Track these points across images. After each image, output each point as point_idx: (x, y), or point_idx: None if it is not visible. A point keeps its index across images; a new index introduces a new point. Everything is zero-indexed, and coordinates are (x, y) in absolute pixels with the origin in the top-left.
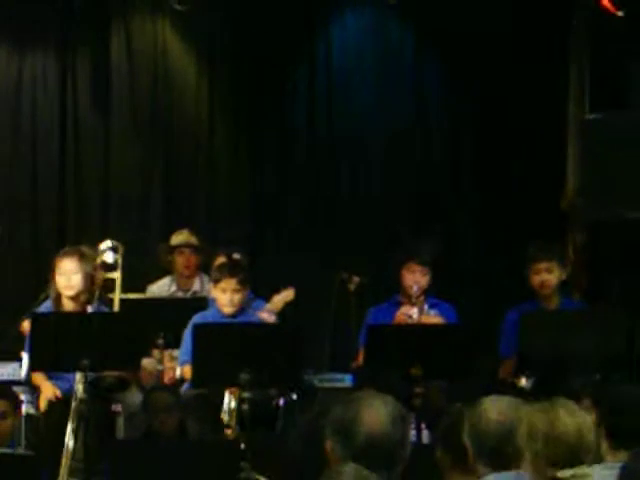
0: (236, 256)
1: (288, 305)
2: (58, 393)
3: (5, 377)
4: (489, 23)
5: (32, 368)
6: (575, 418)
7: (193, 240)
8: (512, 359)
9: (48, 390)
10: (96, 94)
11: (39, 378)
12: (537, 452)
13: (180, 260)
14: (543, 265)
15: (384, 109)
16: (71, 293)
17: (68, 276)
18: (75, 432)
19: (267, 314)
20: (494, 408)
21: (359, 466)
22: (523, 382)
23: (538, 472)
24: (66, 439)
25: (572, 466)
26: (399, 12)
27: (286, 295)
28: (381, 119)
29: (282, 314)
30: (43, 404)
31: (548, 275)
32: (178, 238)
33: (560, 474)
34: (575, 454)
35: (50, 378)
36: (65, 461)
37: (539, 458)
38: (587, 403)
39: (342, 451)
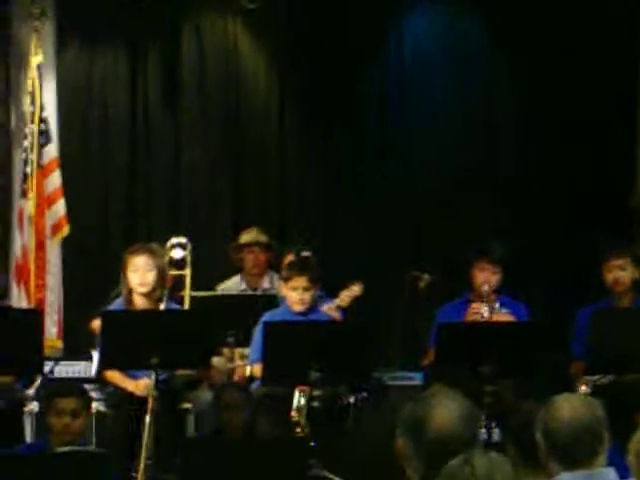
0: (306, 254)
1: (356, 300)
2: (146, 385)
3: (76, 375)
4: (562, 21)
5: (103, 366)
6: None
7: (262, 238)
8: (584, 359)
9: (138, 388)
10: (166, 93)
11: (118, 377)
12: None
13: (249, 258)
14: (617, 262)
15: (456, 106)
16: (145, 290)
17: (142, 273)
18: (149, 430)
19: (330, 307)
20: (567, 406)
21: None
22: (583, 389)
23: None
24: (143, 436)
25: None
26: (471, 8)
27: (354, 290)
28: (453, 116)
29: (350, 309)
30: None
31: (621, 272)
32: (247, 236)
33: None
34: None
35: None
36: (142, 459)
37: None
38: None
39: (413, 449)
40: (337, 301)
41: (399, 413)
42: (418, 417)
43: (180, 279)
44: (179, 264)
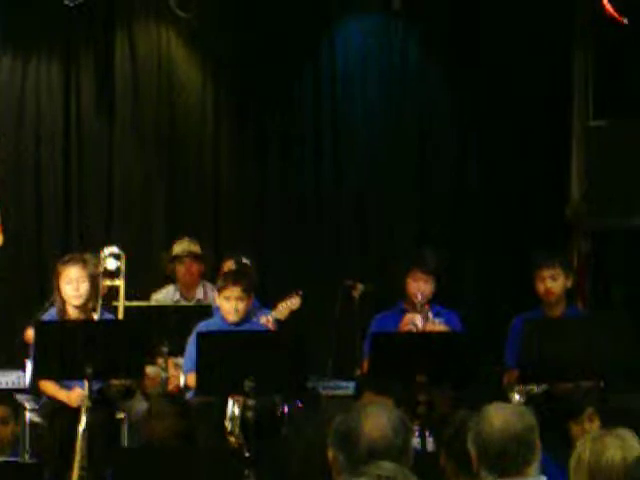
0: (245, 261)
1: (293, 313)
2: (79, 395)
3: (9, 385)
4: (493, 29)
5: (36, 376)
6: (623, 450)
7: (194, 248)
8: (516, 368)
9: (71, 399)
10: (100, 100)
11: (51, 387)
12: None
13: (181, 269)
14: (548, 272)
15: (388, 114)
16: (79, 302)
17: (75, 284)
18: (82, 440)
19: (267, 319)
20: (498, 415)
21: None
22: (517, 398)
23: None
24: (76, 447)
25: None
26: (404, 18)
27: (292, 303)
28: (385, 124)
29: (286, 322)
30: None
31: (553, 282)
32: (179, 247)
33: None
34: None
35: None
36: (75, 469)
37: None
38: (591, 412)
39: (345, 460)
40: (274, 313)
41: (331, 424)
42: (349, 428)
43: (114, 289)
44: (113, 274)
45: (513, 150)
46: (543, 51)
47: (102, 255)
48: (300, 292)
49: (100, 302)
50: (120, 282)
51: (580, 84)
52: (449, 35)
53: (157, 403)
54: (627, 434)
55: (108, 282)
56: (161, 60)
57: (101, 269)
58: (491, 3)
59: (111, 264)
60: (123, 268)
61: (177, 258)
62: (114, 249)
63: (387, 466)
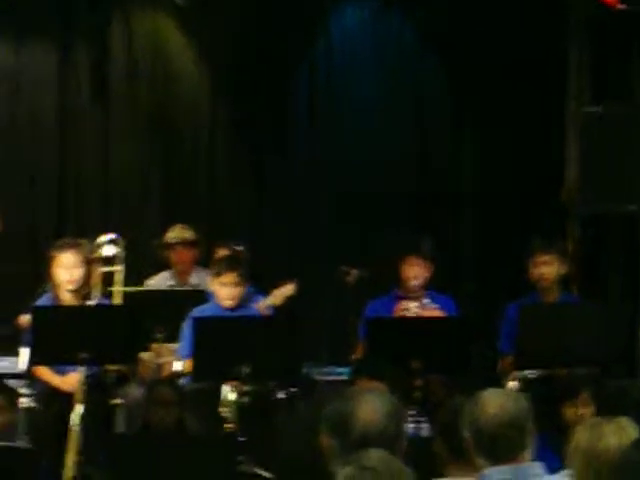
0: (238, 248)
1: (288, 299)
2: (74, 380)
3: (4, 370)
4: (488, 17)
5: (33, 362)
6: (620, 437)
7: (187, 235)
8: (512, 354)
9: (65, 384)
10: (95, 88)
11: (46, 373)
12: (577, 469)
13: (174, 256)
14: (543, 258)
15: (384, 104)
16: (73, 287)
17: (70, 270)
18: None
19: (262, 305)
20: (493, 401)
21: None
22: (512, 384)
23: None
24: (71, 432)
25: None
26: (399, 6)
27: (287, 290)
28: (381, 114)
29: (282, 308)
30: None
31: (547, 268)
32: (171, 234)
33: None
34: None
35: None
36: (70, 455)
37: (579, 476)
38: (585, 397)
39: (338, 446)
40: (270, 299)
41: (325, 409)
42: (343, 414)
43: (110, 275)
44: (110, 261)
45: (508, 136)
46: (538, 36)
47: (100, 241)
48: (295, 279)
49: (99, 288)
50: (118, 268)
51: (576, 69)
52: (445, 17)
53: (156, 389)
54: (624, 422)
55: (106, 268)
56: (157, 48)
57: (98, 255)
58: None
59: (109, 250)
60: (121, 254)
61: (169, 245)
62: (112, 236)
63: (373, 456)
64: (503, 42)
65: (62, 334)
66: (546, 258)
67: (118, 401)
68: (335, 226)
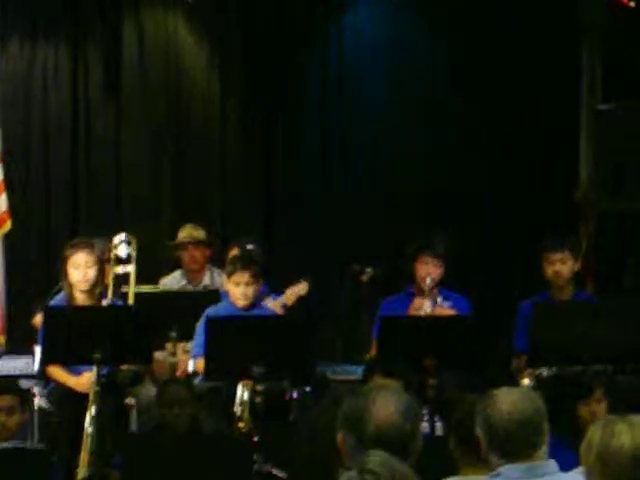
0: (250, 247)
1: (301, 298)
2: (88, 381)
3: (17, 372)
4: (503, 13)
5: (45, 361)
6: (634, 436)
7: (197, 234)
8: (525, 352)
9: (79, 385)
10: (107, 85)
11: (60, 373)
12: (590, 467)
13: (185, 256)
14: (556, 256)
15: (396, 97)
16: (86, 287)
17: (83, 270)
18: (91, 425)
19: (275, 305)
20: (507, 399)
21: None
22: (526, 382)
23: None
24: (85, 432)
25: None
26: (411, 7)
27: (300, 288)
28: (393, 108)
29: (295, 307)
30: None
31: (561, 266)
32: (182, 234)
33: None
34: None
35: None
36: (84, 455)
37: (592, 474)
38: (599, 394)
39: (353, 443)
40: (282, 299)
41: (340, 407)
42: (358, 411)
43: (124, 275)
44: (124, 261)
45: (523, 133)
46: (552, 34)
47: (113, 242)
48: (308, 278)
49: (111, 288)
50: (131, 268)
51: (589, 67)
52: (458, 13)
53: (170, 389)
54: (638, 419)
55: (120, 269)
56: (169, 45)
57: (112, 256)
58: None
59: (122, 251)
60: (134, 254)
61: (180, 245)
62: (126, 235)
63: (375, 459)
64: (516, 42)
65: (75, 334)
66: (560, 255)
67: (132, 401)
68: (348, 225)
